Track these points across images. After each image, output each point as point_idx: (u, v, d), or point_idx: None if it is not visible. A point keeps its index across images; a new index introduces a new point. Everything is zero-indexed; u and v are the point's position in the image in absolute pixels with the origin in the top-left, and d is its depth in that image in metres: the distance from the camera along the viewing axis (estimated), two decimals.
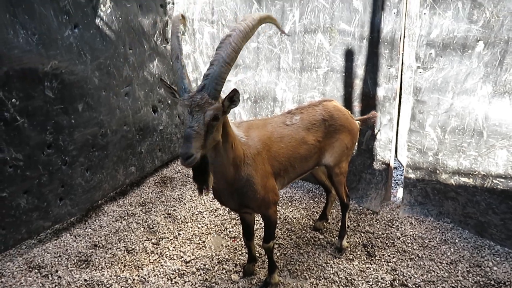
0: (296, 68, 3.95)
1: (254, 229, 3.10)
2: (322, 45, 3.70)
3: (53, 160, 3.46)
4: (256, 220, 3.74)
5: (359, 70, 3.60)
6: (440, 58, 3.15)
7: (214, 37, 4.41)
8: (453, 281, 3.00)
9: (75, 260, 3.36)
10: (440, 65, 3.17)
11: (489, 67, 2.95)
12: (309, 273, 3.15)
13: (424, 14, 3.11)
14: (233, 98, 2.13)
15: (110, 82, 3.91)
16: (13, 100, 3.06)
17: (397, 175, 4.68)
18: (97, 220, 3.95)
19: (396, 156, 3.94)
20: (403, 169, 3.82)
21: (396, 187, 4.41)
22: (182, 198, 4.31)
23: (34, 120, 3.25)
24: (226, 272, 3.20)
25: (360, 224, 3.74)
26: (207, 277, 3.14)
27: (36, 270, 3.23)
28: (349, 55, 3.59)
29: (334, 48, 3.65)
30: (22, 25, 3.04)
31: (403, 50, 3.39)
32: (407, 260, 3.24)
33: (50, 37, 3.25)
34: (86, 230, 3.79)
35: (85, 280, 3.11)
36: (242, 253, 3.40)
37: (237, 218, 3.87)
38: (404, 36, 3.35)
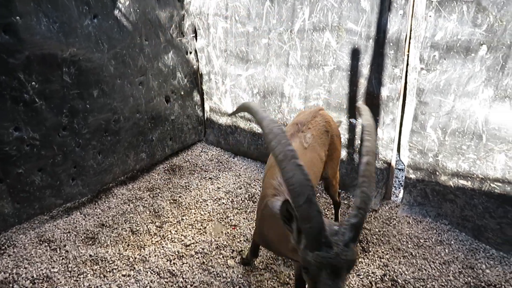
0: (303, 65, 4.03)
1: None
2: (329, 43, 3.77)
3: (67, 141, 3.66)
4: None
5: (365, 69, 3.66)
6: (444, 61, 3.19)
7: (227, 32, 4.53)
8: (444, 281, 3.04)
9: (82, 237, 3.56)
10: (443, 67, 3.20)
11: (491, 71, 2.97)
12: None
13: (430, 16, 3.15)
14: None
15: (125, 71, 4.08)
16: (33, 83, 3.26)
17: (402, 176, 4.70)
18: (106, 202, 4.14)
19: (399, 156, 3.98)
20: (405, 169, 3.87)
21: (399, 188, 4.45)
22: (188, 186, 4.46)
23: (51, 103, 3.44)
24: (223, 257, 3.34)
25: None
26: (204, 260, 3.28)
27: (46, 244, 3.45)
28: (355, 54, 3.66)
29: (341, 46, 3.72)
30: (44, 13, 3.23)
31: (408, 51, 3.44)
32: (400, 258, 3.30)
33: (70, 26, 3.43)
34: (95, 210, 3.99)
35: (90, 255, 3.31)
36: (240, 240, 3.53)
37: (239, 208, 4.00)
38: (410, 38, 3.40)
